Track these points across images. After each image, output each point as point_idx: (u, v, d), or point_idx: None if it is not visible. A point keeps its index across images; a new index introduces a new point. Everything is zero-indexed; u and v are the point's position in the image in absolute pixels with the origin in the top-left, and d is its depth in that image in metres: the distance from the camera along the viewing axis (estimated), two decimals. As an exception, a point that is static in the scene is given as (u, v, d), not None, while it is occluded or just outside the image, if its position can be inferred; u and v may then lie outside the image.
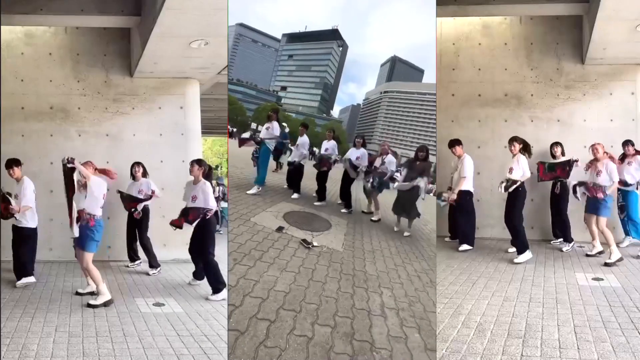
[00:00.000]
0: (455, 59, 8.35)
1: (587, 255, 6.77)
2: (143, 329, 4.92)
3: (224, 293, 5.94)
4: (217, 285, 6.02)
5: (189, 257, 6.47)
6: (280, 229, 6.61)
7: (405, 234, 8.43)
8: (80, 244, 5.72)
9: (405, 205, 8.35)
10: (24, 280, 6.39)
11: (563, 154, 7.43)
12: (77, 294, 5.93)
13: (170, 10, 5.83)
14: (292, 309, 4.00)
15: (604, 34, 6.94)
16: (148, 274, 7.06)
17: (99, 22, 7.26)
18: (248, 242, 5.59)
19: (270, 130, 8.92)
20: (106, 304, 5.56)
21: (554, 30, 8.10)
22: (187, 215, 6.10)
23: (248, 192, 8.57)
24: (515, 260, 6.63)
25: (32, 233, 6.52)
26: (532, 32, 8.20)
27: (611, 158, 6.85)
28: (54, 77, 7.79)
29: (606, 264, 6.47)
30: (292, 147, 9.74)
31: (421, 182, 8.12)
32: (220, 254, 6.61)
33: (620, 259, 6.52)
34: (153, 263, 7.19)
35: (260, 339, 3.36)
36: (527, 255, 6.68)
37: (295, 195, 9.40)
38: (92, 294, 5.82)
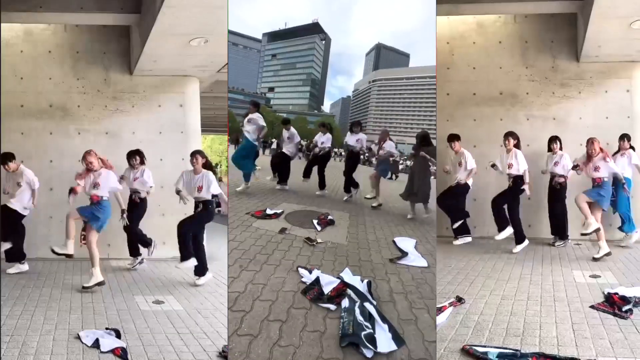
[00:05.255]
0: (449, 58, 8.32)
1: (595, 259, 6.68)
2: (143, 326, 4.94)
3: (208, 275, 6.58)
4: (198, 267, 6.54)
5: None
6: (283, 230, 6.65)
7: (409, 216, 8.73)
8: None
9: (419, 191, 8.61)
10: (19, 266, 6.66)
11: (561, 148, 7.36)
12: (84, 288, 5.96)
13: (169, 8, 5.83)
14: (303, 306, 4.10)
15: (599, 32, 6.97)
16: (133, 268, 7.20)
17: (99, 19, 7.25)
18: (252, 247, 5.69)
19: (254, 123, 9.13)
20: (99, 284, 6.05)
21: (549, 28, 8.10)
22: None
23: (237, 189, 9.01)
24: (497, 237, 7.04)
25: (22, 219, 6.76)
26: (527, 30, 8.20)
27: (603, 152, 6.86)
28: (53, 75, 7.78)
29: (594, 259, 6.63)
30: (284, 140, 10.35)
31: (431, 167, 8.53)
32: (217, 252, 6.68)
33: (608, 254, 6.64)
34: (133, 252, 7.26)
35: (274, 339, 3.45)
36: (508, 231, 7.03)
37: (278, 187, 10.13)
38: (99, 284, 6.04)
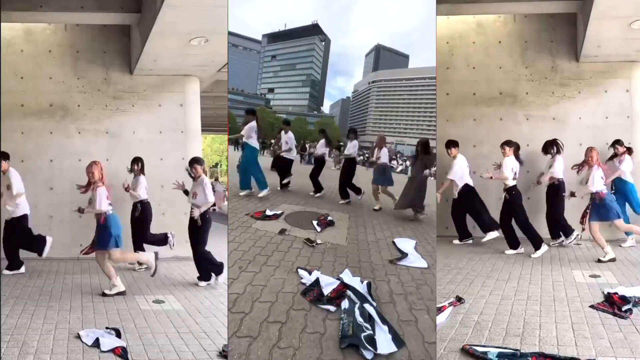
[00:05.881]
0: (449, 57, 8.35)
1: (600, 261, 6.63)
2: (143, 325, 4.94)
3: (224, 272, 6.21)
4: (215, 269, 6.39)
5: (188, 254, 6.55)
6: (282, 231, 6.65)
7: (410, 216, 8.86)
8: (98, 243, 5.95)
9: (414, 199, 8.72)
10: (15, 272, 6.64)
11: (559, 151, 7.37)
12: (104, 294, 5.86)
13: (170, 7, 5.84)
14: (302, 308, 4.08)
15: (598, 32, 6.98)
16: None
17: (99, 19, 7.26)
18: (252, 248, 5.68)
19: (252, 132, 9.00)
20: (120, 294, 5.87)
21: (548, 28, 8.12)
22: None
23: (259, 195, 8.84)
24: (533, 255, 6.88)
25: (24, 219, 6.71)
26: (526, 30, 8.21)
27: (598, 164, 6.75)
28: (53, 75, 7.78)
29: (599, 261, 6.59)
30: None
31: (427, 174, 8.68)
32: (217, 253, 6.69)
33: (613, 259, 6.58)
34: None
35: (273, 341, 3.44)
36: (544, 248, 6.95)
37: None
38: (120, 294, 5.90)
